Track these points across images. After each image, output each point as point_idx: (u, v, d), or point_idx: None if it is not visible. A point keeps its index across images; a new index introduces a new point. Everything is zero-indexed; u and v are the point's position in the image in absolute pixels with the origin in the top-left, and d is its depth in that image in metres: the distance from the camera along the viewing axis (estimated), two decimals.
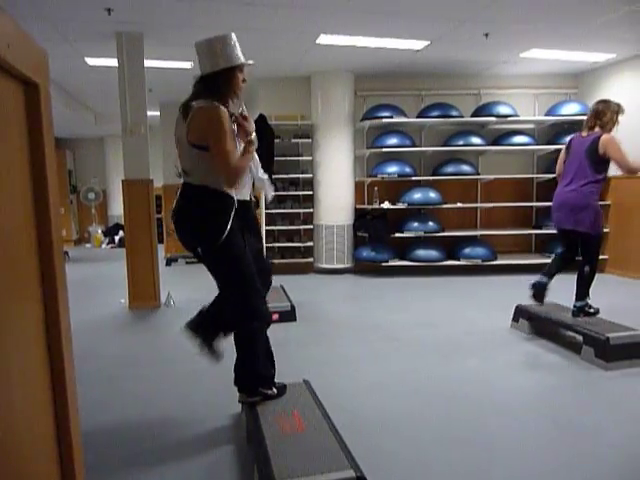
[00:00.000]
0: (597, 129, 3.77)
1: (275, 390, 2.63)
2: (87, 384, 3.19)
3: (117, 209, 11.56)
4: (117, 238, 11.13)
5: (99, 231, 11.54)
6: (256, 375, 2.58)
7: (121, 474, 2.30)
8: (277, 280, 5.96)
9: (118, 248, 10.45)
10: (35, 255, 0.70)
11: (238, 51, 2.44)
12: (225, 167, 2.30)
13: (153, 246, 5.37)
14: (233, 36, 2.44)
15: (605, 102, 3.85)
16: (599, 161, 3.72)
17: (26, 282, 0.68)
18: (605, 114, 3.76)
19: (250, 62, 2.51)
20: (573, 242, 4.03)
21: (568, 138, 4.06)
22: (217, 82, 2.41)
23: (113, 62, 5.33)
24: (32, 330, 0.69)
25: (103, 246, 11.34)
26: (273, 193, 4.55)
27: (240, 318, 2.49)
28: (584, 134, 3.85)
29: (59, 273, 0.74)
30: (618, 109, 3.80)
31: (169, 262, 8.23)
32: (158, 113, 9.05)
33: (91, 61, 6.10)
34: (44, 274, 0.72)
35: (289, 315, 4.72)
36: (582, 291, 3.99)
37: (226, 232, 2.33)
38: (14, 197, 0.64)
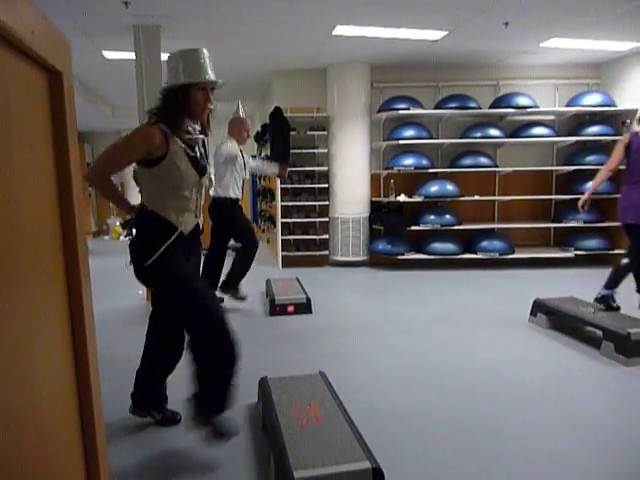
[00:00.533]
0: None
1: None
2: (105, 375, 3.23)
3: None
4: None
5: (117, 223, 11.66)
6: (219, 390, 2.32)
7: (140, 463, 2.34)
8: (292, 272, 5.99)
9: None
10: (59, 245, 0.70)
11: (202, 68, 2.23)
12: (96, 165, 2.21)
13: None
14: (203, 52, 2.26)
15: None
16: None
17: (51, 274, 0.69)
18: None
19: (213, 80, 2.26)
20: None
21: (625, 137, 4.07)
22: (169, 100, 2.23)
23: (131, 55, 5.36)
24: (57, 323, 0.70)
25: (121, 238, 11.46)
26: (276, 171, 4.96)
27: (200, 326, 2.26)
28: None
29: (82, 265, 0.75)
30: None
31: None
32: None
33: (109, 54, 6.14)
34: (68, 266, 0.72)
35: (304, 307, 4.74)
36: (612, 280, 3.99)
37: (152, 258, 2.19)
38: (39, 186, 0.65)
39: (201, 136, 2.36)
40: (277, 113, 6.71)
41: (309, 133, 7.03)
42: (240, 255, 4.83)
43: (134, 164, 2.31)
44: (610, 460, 2.29)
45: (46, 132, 0.65)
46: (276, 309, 4.69)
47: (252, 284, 5.62)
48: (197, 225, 2.46)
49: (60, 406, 0.70)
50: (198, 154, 2.34)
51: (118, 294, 5.67)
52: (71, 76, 0.70)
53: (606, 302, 3.94)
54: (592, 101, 6.73)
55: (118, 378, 2.86)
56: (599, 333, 3.67)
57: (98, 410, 0.80)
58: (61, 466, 0.69)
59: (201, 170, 2.33)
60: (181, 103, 2.22)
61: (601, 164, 6.65)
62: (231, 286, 4.84)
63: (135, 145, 2.18)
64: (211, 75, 2.25)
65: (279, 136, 6.36)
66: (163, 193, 2.25)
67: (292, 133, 6.74)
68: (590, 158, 6.79)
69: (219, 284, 4.80)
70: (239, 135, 4.74)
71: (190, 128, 2.29)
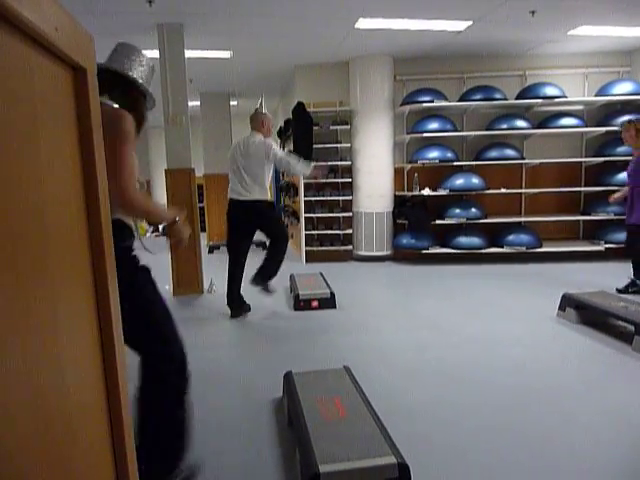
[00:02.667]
0: None
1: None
2: (130, 369, 3.30)
3: (160, 198, 11.83)
4: (161, 227, 11.40)
5: (144, 220, 11.82)
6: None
7: None
8: (316, 267, 6.00)
9: (162, 236, 10.72)
10: (86, 242, 0.71)
11: None
12: (126, 183, 1.82)
13: (195, 234, 5.48)
14: None
15: None
16: None
17: (78, 273, 0.70)
18: None
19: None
20: None
21: None
22: (139, 101, 2.04)
23: (154, 54, 5.42)
24: (85, 322, 0.71)
25: (148, 234, 11.64)
26: None
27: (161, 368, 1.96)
28: None
29: (110, 264, 0.75)
30: None
31: (211, 250, 8.39)
32: (198, 103, 9.18)
33: None
34: (95, 265, 0.73)
35: (329, 302, 4.74)
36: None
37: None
38: (66, 185, 0.66)
39: None
40: (300, 108, 6.72)
41: (332, 127, 7.01)
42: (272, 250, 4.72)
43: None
44: None
45: (72, 129, 0.66)
46: (300, 304, 4.70)
47: (276, 279, 5.65)
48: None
49: (88, 406, 0.70)
50: None
51: None
52: (96, 72, 0.71)
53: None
54: (623, 90, 6.53)
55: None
56: (631, 328, 3.57)
57: (126, 410, 0.80)
58: (90, 466, 0.70)
59: None
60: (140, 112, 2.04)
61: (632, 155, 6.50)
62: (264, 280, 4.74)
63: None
64: None
65: (302, 133, 6.37)
66: None
67: (315, 128, 6.74)
68: (621, 149, 6.59)
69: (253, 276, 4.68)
70: (268, 131, 4.59)
71: None
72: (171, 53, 5.25)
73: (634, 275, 4.81)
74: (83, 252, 0.70)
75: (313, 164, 4.83)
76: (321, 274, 5.48)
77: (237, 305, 4.62)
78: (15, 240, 0.50)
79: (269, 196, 4.62)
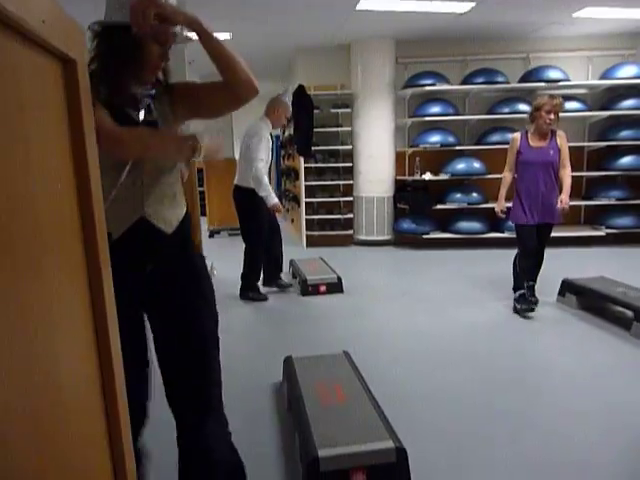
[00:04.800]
0: None
1: None
2: None
3: None
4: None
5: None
6: None
7: (168, 440, 2.40)
8: (317, 252, 6.00)
9: None
10: (79, 234, 0.70)
11: None
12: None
13: (196, 218, 5.47)
14: None
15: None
16: None
17: (71, 263, 0.69)
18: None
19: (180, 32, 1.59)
20: None
21: None
22: (108, 49, 1.47)
23: None
24: (78, 317, 0.71)
25: None
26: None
27: None
28: None
29: (103, 253, 0.75)
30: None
31: (212, 234, 8.40)
32: None
33: None
34: (88, 256, 0.72)
35: (336, 287, 4.74)
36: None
37: None
38: (56, 178, 0.65)
39: (151, 92, 1.64)
40: (300, 92, 6.65)
41: (333, 111, 6.95)
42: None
43: None
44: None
45: (62, 121, 0.65)
46: (309, 289, 4.69)
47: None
48: (155, 231, 1.53)
49: (84, 405, 0.70)
50: (141, 116, 1.57)
51: None
52: (86, 64, 0.70)
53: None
54: (627, 73, 6.45)
55: None
56: (630, 314, 3.58)
57: (123, 407, 0.81)
58: (87, 466, 0.71)
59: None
60: (128, 57, 1.48)
61: (636, 139, 6.45)
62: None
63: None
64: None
65: (302, 117, 6.31)
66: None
67: (315, 111, 6.68)
68: (624, 133, 6.54)
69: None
70: (278, 119, 4.42)
71: (138, 93, 1.58)
72: None
73: (520, 283, 4.19)
74: (76, 246, 0.70)
75: (273, 202, 4.27)
76: (321, 259, 5.48)
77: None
78: (6, 236, 0.49)
79: (250, 183, 4.29)
